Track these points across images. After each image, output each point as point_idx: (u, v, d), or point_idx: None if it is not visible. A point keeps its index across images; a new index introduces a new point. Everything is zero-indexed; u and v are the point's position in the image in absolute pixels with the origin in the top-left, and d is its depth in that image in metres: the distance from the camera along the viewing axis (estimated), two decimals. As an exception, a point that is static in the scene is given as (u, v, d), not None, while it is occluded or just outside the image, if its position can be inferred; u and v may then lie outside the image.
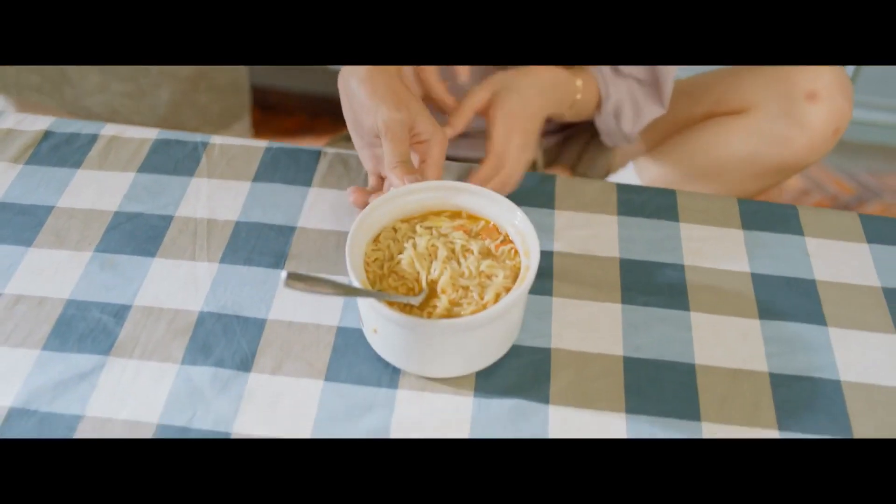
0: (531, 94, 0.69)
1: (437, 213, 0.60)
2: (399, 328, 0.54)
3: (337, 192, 0.71)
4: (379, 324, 0.55)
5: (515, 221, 0.58)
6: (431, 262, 0.56)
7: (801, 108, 0.78)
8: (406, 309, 0.54)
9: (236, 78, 1.28)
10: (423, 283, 0.55)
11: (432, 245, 0.57)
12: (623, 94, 0.80)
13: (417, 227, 0.58)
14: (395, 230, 0.59)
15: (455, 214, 0.60)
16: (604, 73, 0.79)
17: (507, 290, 0.54)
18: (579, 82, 0.77)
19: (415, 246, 0.57)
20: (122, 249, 0.66)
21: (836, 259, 0.66)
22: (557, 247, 0.67)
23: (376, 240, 0.58)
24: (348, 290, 0.51)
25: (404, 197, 0.59)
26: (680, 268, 0.65)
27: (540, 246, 0.56)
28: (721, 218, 0.69)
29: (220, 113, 1.27)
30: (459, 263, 0.56)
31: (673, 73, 0.80)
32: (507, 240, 0.58)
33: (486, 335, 0.55)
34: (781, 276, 0.65)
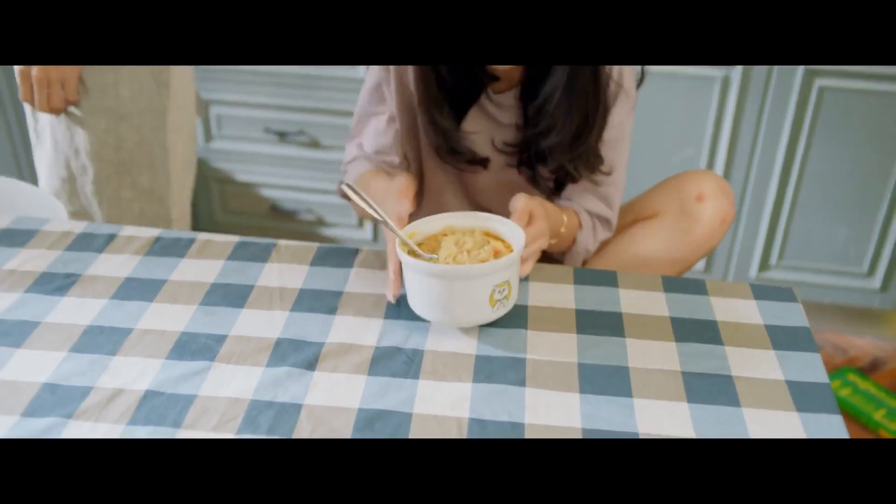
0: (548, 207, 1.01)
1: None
2: (414, 273, 0.85)
3: (373, 272, 0.99)
4: (407, 276, 0.87)
5: (517, 238, 0.88)
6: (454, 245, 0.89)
7: (694, 206, 1.09)
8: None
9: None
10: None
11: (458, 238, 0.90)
12: (588, 225, 1.12)
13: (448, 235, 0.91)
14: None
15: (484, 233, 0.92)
16: (579, 213, 1.11)
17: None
18: (565, 218, 1.08)
19: (444, 234, 0.91)
20: (219, 304, 0.93)
21: (732, 310, 0.93)
22: (531, 302, 0.93)
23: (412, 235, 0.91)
24: (384, 221, 0.86)
25: (444, 220, 0.93)
26: (618, 315, 0.91)
27: (517, 301, 0.89)
28: (649, 285, 0.97)
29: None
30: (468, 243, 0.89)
31: (620, 201, 1.13)
32: (508, 248, 0.88)
33: (479, 286, 0.84)
34: (689, 318, 0.91)
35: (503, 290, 0.86)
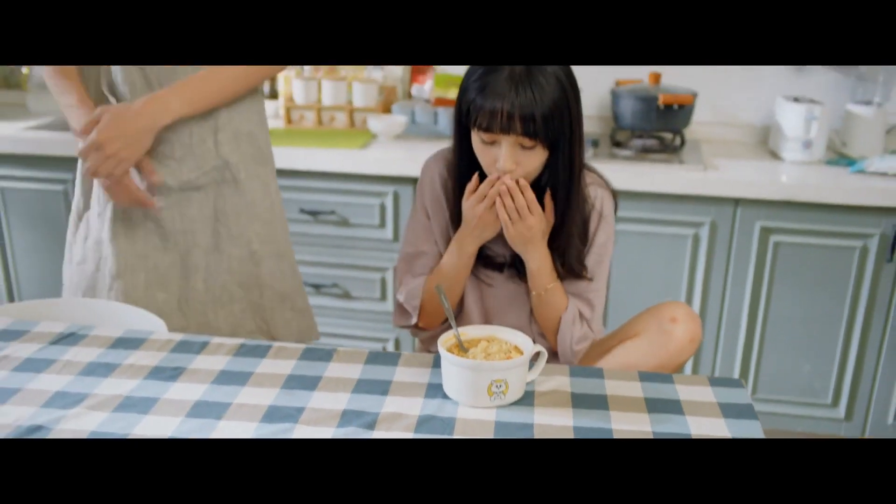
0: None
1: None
2: (443, 361, 1.13)
3: (413, 368, 1.27)
4: (442, 365, 1.14)
5: (528, 345, 1.15)
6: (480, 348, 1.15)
7: (668, 326, 1.38)
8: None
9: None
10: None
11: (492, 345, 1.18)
12: (572, 312, 1.41)
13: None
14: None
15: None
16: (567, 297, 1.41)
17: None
18: (551, 285, 1.38)
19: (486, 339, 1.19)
20: (295, 388, 1.20)
21: (692, 393, 1.20)
22: (537, 389, 1.21)
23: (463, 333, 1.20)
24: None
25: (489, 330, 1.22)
26: (604, 396, 1.19)
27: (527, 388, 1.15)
28: (628, 377, 1.24)
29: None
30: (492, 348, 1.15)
31: (601, 311, 1.43)
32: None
33: (478, 378, 1.11)
34: (659, 398, 1.18)
35: (500, 385, 1.13)
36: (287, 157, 2.27)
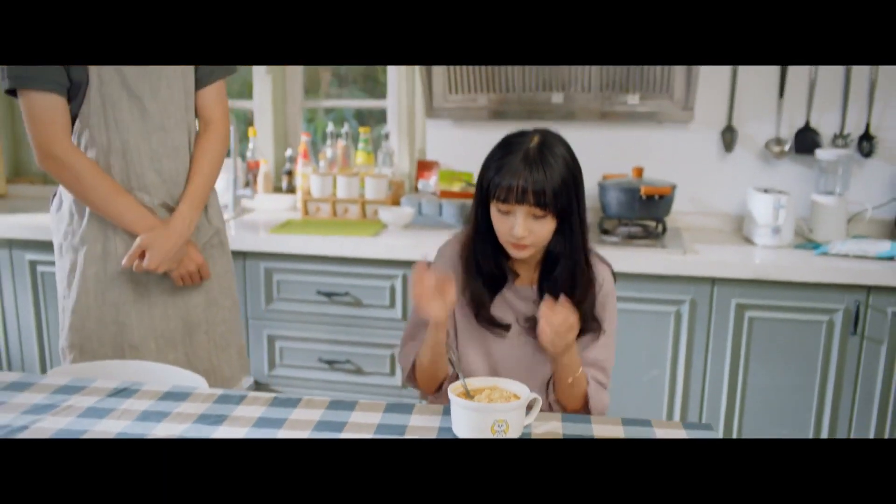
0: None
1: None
2: (452, 404, 1.29)
3: (425, 416, 1.46)
4: (451, 408, 1.30)
5: (525, 392, 1.34)
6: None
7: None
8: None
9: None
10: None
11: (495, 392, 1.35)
12: (593, 385, 1.58)
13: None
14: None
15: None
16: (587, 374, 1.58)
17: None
18: (580, 371, 1.55)
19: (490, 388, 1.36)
20: (324, 430, 1.39)
21: (667, 433, 1.39)
22: (534, 426, 1.40)
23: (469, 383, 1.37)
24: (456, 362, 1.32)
25: (493, 381, 1.39)
26: (590, 430, 1.37)
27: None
28: (611, 422, 1.43)
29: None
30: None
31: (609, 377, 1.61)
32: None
33: (482, 418, 1.28)
34: (638, 437, 1.37)
35: (501, 425, 1.32)
36: (305, 244, 2.50)
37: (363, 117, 3.32)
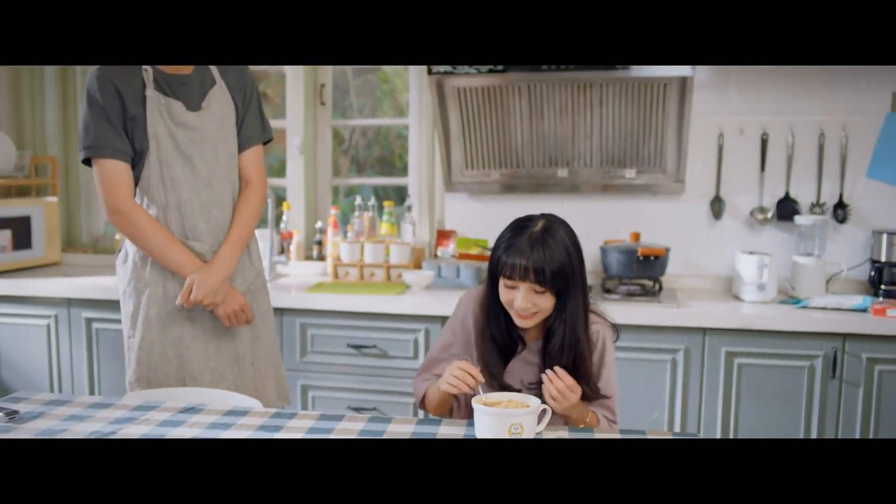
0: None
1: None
2: (475, 411, 1.54)
3: (451, 427, 1.71)
4: (475, 415, 1.55)
5: (537, 403, 1.59)
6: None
7: None
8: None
9: None
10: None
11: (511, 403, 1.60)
12: (604, 423, 1.81)
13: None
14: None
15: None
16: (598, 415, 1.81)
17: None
18: (589, 417, 1.79)
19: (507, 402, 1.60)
20: (367, 434, 1.64)
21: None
22: (545, 436, 1.64)
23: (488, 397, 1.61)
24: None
25: (508, 395, 1.64)
26: (591, 433, 1.62)
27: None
28: (611, 432, 1.68)
29: None
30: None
31: (617, 409, 1.85)
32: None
33: (500, 422, 1.53)
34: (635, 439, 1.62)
35: (517, 428, 1.57)
36: (337, 301, 2.78)
37: (380, 195, 3.65)
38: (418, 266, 3.18)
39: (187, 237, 2.09)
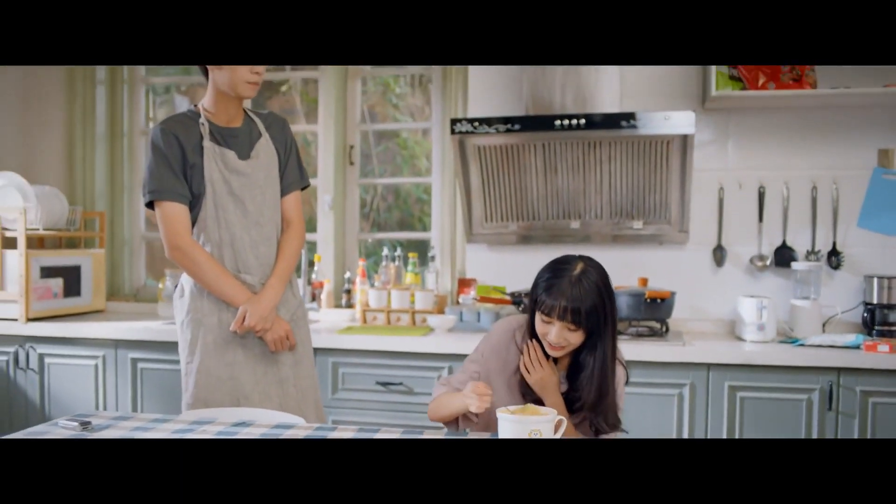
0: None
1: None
2: (499, 419, 1.74)
3: (477, 434, 1.90)
4: (499, 424, 1.75)
5: (554, 412, 1.79)
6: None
7: None
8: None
9: None
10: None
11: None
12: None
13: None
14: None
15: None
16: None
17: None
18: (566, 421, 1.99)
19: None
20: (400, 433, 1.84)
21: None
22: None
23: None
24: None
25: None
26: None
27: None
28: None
29: None
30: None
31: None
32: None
33: (521, 427, 1.72)
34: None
35: (536, 433, 1.77)
36: (366, 342, 3.00)
37: (405, 248, 3.90)
38: (441, 311, 3.40)
39: (239, 271, 2.33)
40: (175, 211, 2.28)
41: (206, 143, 2.29)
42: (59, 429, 1.92)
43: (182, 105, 4.16)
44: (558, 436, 1.81)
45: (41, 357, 3.32)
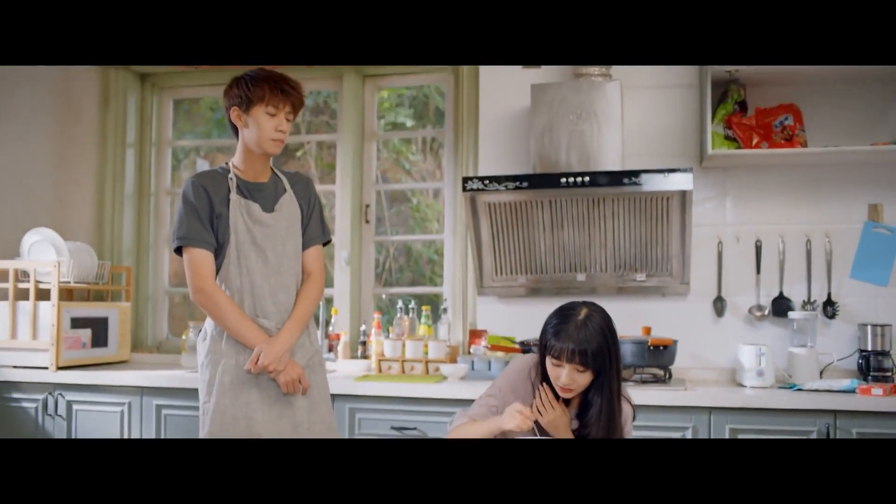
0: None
1: None
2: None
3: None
4: None
5: None
6: None
7: None
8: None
9: None
10: None
11: None
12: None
13: None
14: None
15: None
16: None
17: None
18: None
19: None
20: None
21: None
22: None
23: None
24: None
25: None
26: (609, 471, 1.94)
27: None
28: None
29: None
30: None
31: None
32: None
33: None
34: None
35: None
36: (382, 388, 3.14)
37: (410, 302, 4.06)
38: (454, 361, 3.54)
39: (257, 315, 2.49)
40: (201, 257, 2.45)
41: (233, 195, 2.48)
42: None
43: (203, 168, 4.39)
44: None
45: (69, 404, 3.46)
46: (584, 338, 1.99)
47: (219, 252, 2.49)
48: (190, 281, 2.47)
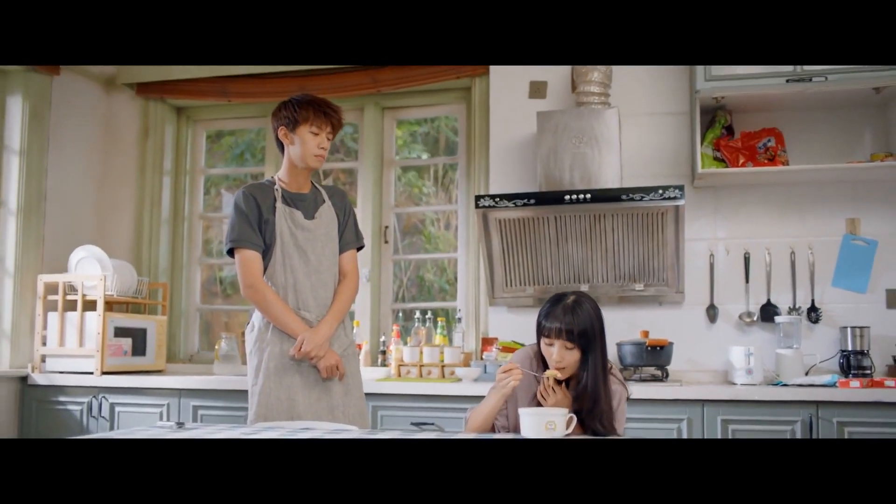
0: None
1: None
2: (524, 415, 2.15)
3: (503, 434, 2.30)
4: (521, 419, 2.16)
5: (565, 411, 2.20)
6: None
7: None
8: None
9: None
10: None
11: None
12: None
13: None
14: None
15: None
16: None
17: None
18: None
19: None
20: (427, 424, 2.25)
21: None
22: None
23: None
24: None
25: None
26: (607, 435, 2.21)
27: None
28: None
29: None
30: None
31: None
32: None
33: (538, 420, 2.13)
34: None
35: (552, 424, 2.17)
36: (402, 387, 3.42)
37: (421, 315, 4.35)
38: (467, 364, 3.82)
39: (300, 309, 2.79)
40: (250, 257, 2.77)
41: (279, 204, 2.80)
42: (156, 429, 2.34)
43: (228, 198, 4.73)
44: (569, 431, 2.21)
45: (112, 406, 3.75)
46: (571, 318, 2.25)
47: (266, 253, 2.81)
48: (241, 278, 2.79)
